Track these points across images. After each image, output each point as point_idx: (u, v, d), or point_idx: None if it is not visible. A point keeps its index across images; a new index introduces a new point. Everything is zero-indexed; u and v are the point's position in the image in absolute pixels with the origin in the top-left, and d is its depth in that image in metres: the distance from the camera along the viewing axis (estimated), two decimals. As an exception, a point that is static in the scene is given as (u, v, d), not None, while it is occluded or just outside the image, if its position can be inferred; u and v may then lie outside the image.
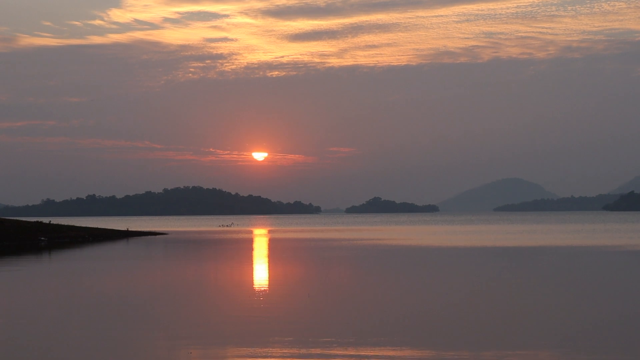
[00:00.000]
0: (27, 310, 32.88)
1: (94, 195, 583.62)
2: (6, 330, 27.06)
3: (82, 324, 28.25)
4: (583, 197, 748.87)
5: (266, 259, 66.45)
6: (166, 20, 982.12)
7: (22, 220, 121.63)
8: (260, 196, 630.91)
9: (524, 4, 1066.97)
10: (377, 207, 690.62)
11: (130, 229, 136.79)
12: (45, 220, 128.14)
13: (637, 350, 22.33)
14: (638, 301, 34.51)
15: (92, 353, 22.41)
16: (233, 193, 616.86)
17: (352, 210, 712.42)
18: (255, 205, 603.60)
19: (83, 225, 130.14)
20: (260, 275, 50.06)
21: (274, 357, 21.44)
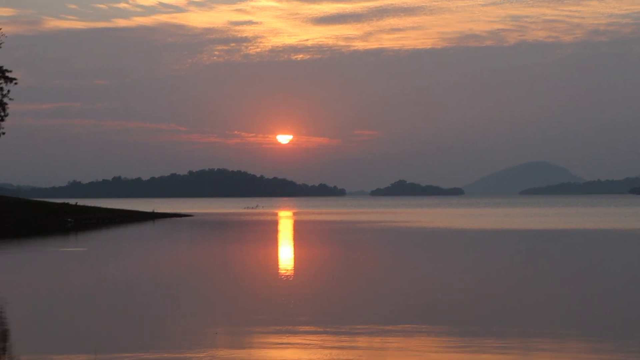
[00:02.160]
0: (56, 291, 33.18)
1: (119, 177, 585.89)
2: (35, 312, 27.33)
3: (110, 305, 28.47)
4: (610, 180, 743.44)
5: (291, 241, 66.59)
6: (191, 3, 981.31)
7: (49, 202, 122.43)
8: (285, 178, 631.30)
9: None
10: (402, 190, 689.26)
11: (156, 211, 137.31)
12: (72, 201, 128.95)
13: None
14: (664, 284, 34.34)
15: (119, 333, 22.60)
16: (258, 175, 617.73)
17: (377, 193, 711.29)
18: (280, 188, 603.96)
19: (109, 207, 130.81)
20: (285, 256, 50.21)
21: (298, 337, 21.55)
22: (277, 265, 44.24)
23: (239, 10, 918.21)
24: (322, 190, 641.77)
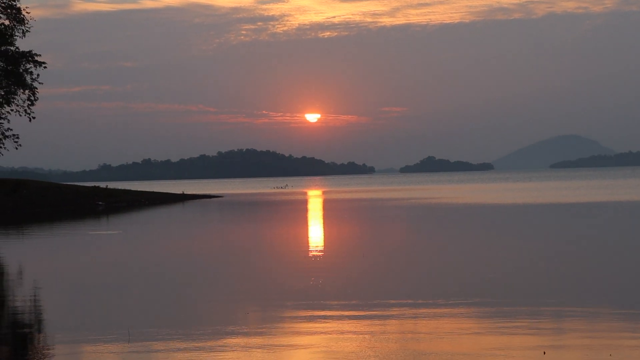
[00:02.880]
0: (89, 273, 33.47)
1: (149, 159, 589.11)
2: (69, 294, 27.59)
3: (143, 286, 28.70)
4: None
5: (321, 220, 66.74)
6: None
7: (79, 186, 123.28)
8: (313, 157, 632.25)
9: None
10: (431, 166, 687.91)
11: (185, 192, 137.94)
12: (102, 185, 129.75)
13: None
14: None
15: (152, 313, 22.77)
16: (287, 155, 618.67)
17: (406, 169, 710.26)
18: (309, 167, 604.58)
19: (139, 189, 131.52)
20: (315, 235, 50.33)
21: (329, 314, 21.63)
22: (308, 244, 44.37)
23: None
24: (351, 168, 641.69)
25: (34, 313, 23.78)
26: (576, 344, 17.69)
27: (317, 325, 20.46)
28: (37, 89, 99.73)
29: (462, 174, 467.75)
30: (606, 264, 31.52)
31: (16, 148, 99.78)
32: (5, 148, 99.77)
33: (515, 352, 17.09)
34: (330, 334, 19.35)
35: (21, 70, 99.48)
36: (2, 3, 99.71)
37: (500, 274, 29.21)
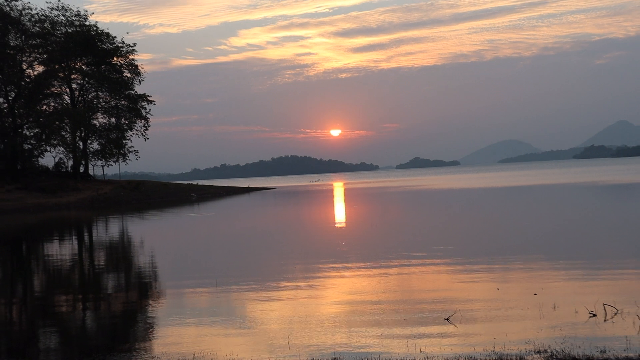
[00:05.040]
0: (187, 243, 33.63)
1: (225, 164, 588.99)
2: (175, 257, 27.73)
3: (224, 251, 28.83)
4: (560, 150, 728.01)
5: (343, 202, 66.59)
6: (268, 42, 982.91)
7: (179, 183, 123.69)
8: (336, 160, 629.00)
9: (515, 19, 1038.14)
10: (418, 163, 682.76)
11: (250, 186, 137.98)
12: (194, 182, 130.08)
13: None
14: None
15: (232, 269, 22.90)
16: (318, 159, 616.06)
17: (400, 167, 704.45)
18: (334, 167, 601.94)
19: (219, 185, 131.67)
20: (340, 212, 50.23)
21: (350, 267, 21.64)
22: (334, 219, 44.31)
23: (302, 45, 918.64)
24: (363, 167, 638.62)
25: (151, 269, 24.00)
26: (518, 285, 17.66)
27: (342, 273, 20.54)
28: (149, 119, 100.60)
29: (438, 168, 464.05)
30: (541, 226, 31.22)
31: (137, 159, 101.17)
32: (129, 159, 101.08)
33: (476, 286, 17.10)
34: (351, 277, 19.43)
35: (138, 107, 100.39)
36: (125, 62, 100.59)
37: (467, 236, 29.04)
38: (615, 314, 13.59)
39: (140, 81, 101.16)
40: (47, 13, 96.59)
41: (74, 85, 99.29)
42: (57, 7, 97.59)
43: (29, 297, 19.53)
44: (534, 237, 27.39)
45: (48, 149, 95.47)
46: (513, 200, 55.38)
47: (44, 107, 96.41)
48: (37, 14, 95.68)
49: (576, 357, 10.93)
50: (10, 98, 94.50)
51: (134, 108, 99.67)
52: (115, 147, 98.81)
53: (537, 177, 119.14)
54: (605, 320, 13.16)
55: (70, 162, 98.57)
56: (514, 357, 11.03)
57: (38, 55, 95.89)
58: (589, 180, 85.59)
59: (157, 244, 32.92)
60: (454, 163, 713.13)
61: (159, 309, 16.36)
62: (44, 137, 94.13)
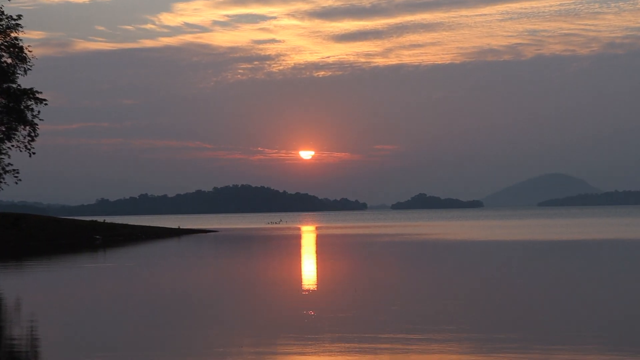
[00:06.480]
0: (84, 305, 33.34)
1: (146, 194, 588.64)
2: (64, 325, 27.48)
3: (137, 318, 28.60)
4: (628, 190, 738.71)
5: (314, 255, 66.63)
6: (215, 23, 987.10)
7: (77, 220, 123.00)
8: (307, 193, 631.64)
9: (567, 2, 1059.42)
10: (422, 203, 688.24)
11: (181, 227, 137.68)
12: (100, 219, 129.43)
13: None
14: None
15: (147, 345, 22.71)
16: (281, 191, 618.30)
17: (398, 206, 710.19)
18: (303, 203, 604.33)
19: (136, 223, 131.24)
20: (309, 270, 50.23)
21: (322, 348, 21.59)
22: (301, 279, 44.27)
23: (262, 29, 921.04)
24: (344, 205, 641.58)
25: (30, 345, 23.67)
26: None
27: (307, 358, 20.40)
28: (37, 125, 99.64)
29: (452, 211, 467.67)
30: (589, 298, 31.48)
31: (16, 183, 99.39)
32: (5, 183, 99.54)
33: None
34: (321, 367, 19.30)
35: (22, 107, 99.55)
36: (4, 42, 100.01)
37: (489, 305, 29.15)
38: None
39: (26, 70, 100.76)
40: None
41: None
42: None
43: None
44: (604, 321, 27.54)
45: None
46: (567, 259, 55.72)
47: None
48: None
49: None
50: None
51: (15, 109, 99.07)
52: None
53: (602, 227, 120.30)
54: None
55: None
56: None
57: None
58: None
59: (40, 308, 32.54)
60: (474, 204, 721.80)
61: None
62: None
